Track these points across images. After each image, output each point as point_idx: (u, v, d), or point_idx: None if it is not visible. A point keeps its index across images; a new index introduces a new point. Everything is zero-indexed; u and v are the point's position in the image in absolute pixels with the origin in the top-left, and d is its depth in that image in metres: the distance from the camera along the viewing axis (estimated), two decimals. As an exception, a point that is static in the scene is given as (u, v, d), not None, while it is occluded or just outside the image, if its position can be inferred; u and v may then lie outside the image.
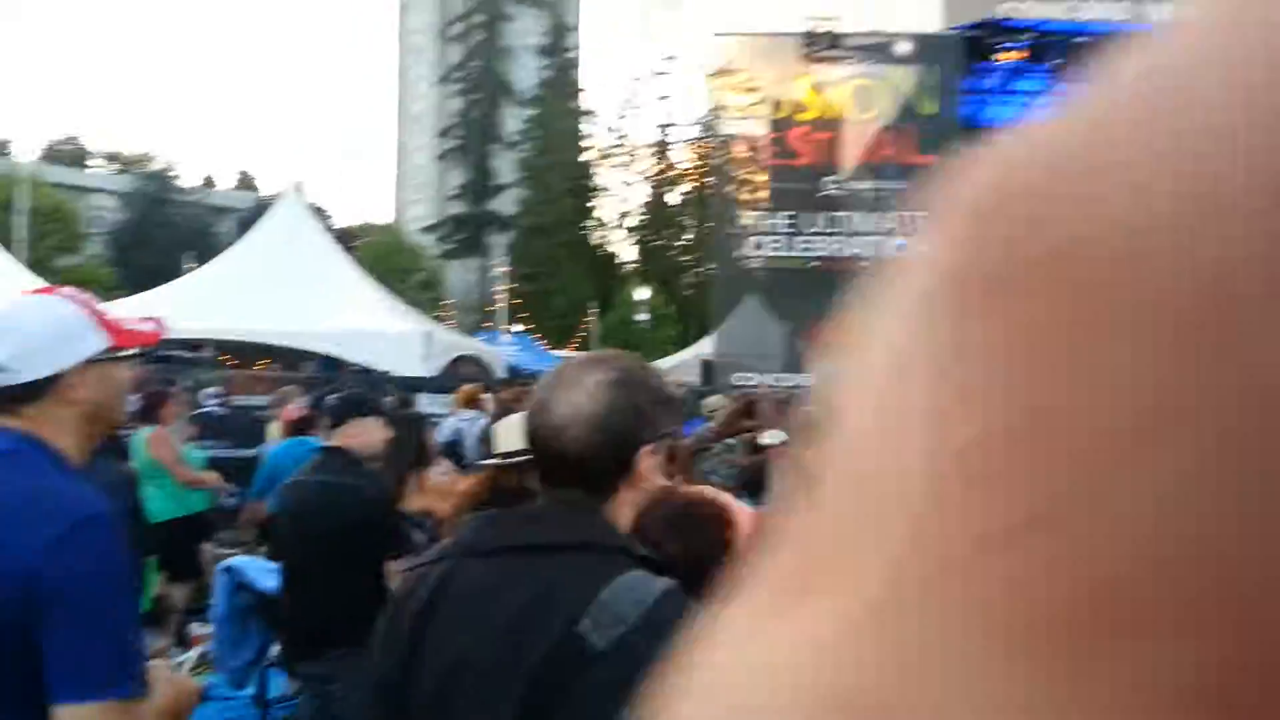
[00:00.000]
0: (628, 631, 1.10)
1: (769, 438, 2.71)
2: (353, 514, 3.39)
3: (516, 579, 1.19)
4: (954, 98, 13.87)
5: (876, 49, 13.71)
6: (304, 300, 14.62)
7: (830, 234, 13.35)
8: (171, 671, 1.76)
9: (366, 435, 3.67)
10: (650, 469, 1.30)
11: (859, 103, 13.53)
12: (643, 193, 49.33)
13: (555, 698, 1.10)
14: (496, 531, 1.29)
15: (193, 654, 5.69)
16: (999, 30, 14.57)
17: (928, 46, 13.97)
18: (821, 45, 13.27)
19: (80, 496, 1.54)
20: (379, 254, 51.52)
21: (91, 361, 1.64)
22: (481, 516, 1.42)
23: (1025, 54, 14.68)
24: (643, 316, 31.15)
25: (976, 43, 14.23)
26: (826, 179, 13.42)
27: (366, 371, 12.90)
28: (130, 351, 1.74)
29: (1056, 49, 14.52)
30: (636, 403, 1.28)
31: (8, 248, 20.21)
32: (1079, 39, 14.31)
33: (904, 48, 13.67)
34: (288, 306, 14.28)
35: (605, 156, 48.83)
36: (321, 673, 3.44)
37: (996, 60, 14.89)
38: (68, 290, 1.74)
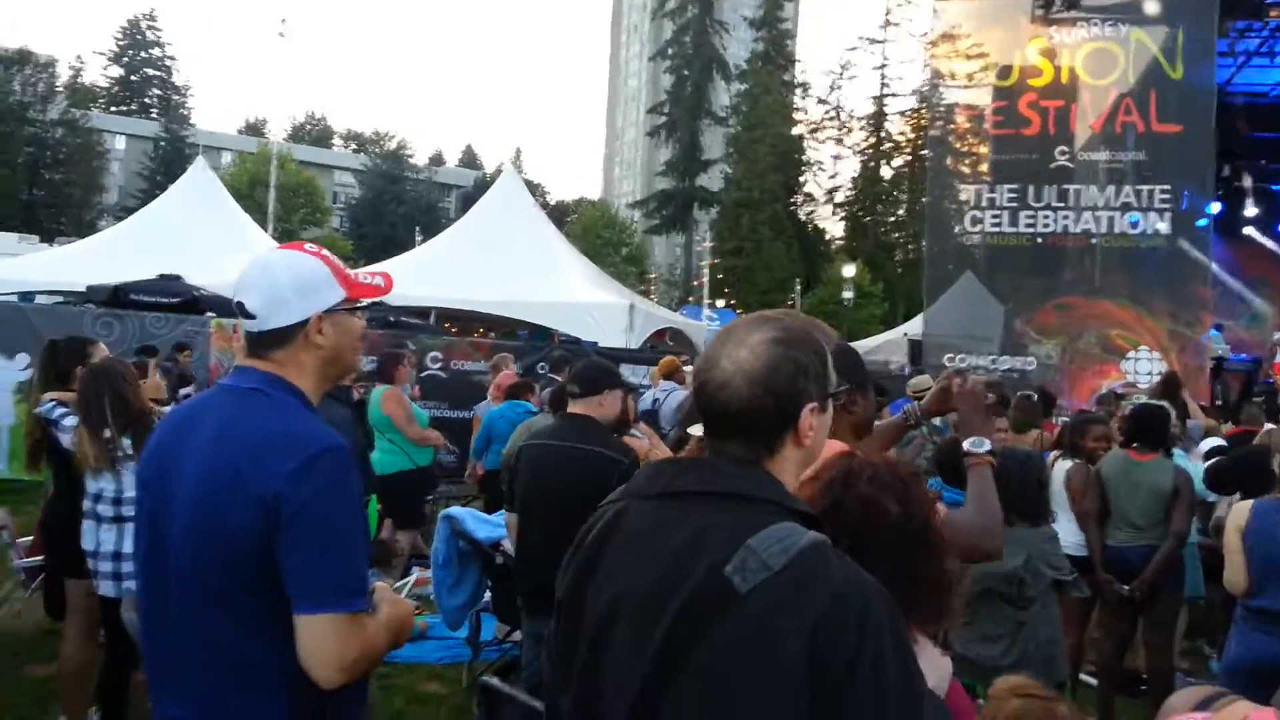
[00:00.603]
0: (770, 577, 1.14)
1: None
2: (611, 481, 3.42)
3: (675, 521, 1.26)
4: (1205, 61, 12.51)
5: (1120, 9, 12.57)
6: (518, 272, 15.27)
7: (1059, 208, 12.45)
8: (392, 592, 1.91)
9: (612, 405, 3.79)
10: (814, 426, 1.31)
11: (1096, 67, 12.47)
12: (853, 167, 47.91)
13: (697, 632, 1.16)
14: (662, 478, 1.34)
15: (409, 580, 6.13)
16: (1267, -17, 13.01)
17: (1179, 4, 12.67)
18: (1059, 6, 12.32)
19: (317, 432, 1.69)
20: (589, 228, 52.96)
21: (331, 311, 1.80)
22: (652, 464, 1.46)
23: (1297, 10, 13.04)
24: (848, 294, 30.36)
25: (1238, -1, 12.77)
26: (1057, 149, 12.49)
27: (575, 341, 13.32)
28: (364, 303, 1.89)
29: (1337, 2, 12.81)
30: (798, 359, 1.29)
31: (260, 219, 22.29)
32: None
33: (1151, 7, 12.46)
34: (503, 278, 14.97)
35: (815, 130, 47.70)
36: None
37: (1264, 19, 13.33)
38: (312, 245, 1.90)
